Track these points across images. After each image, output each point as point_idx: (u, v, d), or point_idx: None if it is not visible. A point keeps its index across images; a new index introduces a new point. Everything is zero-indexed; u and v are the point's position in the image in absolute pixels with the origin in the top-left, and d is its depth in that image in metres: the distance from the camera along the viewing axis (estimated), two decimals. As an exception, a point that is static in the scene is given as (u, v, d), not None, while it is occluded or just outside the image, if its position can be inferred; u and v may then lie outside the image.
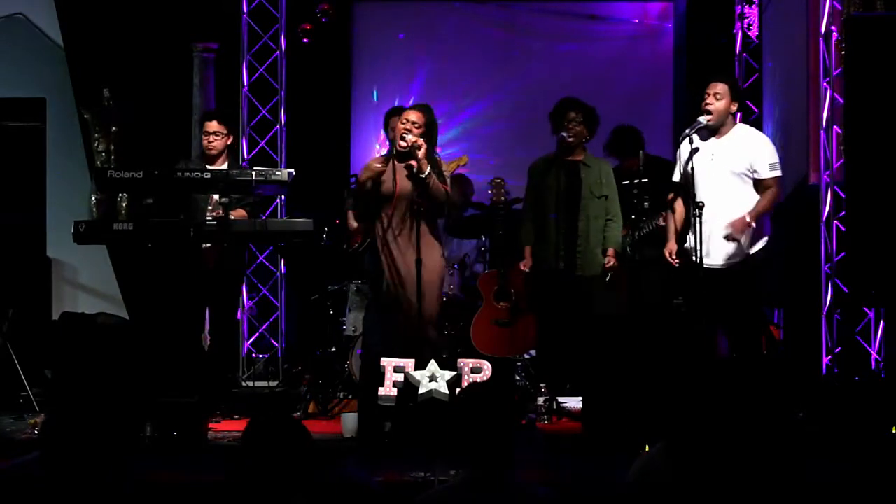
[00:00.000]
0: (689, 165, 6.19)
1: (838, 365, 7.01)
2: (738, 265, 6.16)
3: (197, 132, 7.52)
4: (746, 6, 8.70)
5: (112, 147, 6.78)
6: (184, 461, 5.51)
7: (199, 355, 6.96)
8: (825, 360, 7.12)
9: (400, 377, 5.85)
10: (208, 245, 6.78)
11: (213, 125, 6.97)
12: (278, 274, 8.55)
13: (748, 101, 8.30)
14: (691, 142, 6.18)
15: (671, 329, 6.63)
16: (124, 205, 6.54)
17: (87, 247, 6.96)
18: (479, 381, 5.77)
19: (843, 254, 6.92)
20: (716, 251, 6.13)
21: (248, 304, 8.50)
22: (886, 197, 6.29)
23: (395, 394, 5.83)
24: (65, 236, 6.53)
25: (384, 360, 5.92)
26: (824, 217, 7.16)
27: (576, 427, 6.19)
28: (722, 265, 6.15)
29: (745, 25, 8.72)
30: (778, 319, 7.99)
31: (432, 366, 5.82)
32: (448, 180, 6.31)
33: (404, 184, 6.20)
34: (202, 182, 6.38)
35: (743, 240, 6.14)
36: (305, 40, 8.58)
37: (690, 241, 6.10)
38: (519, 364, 7.24)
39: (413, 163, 6.12)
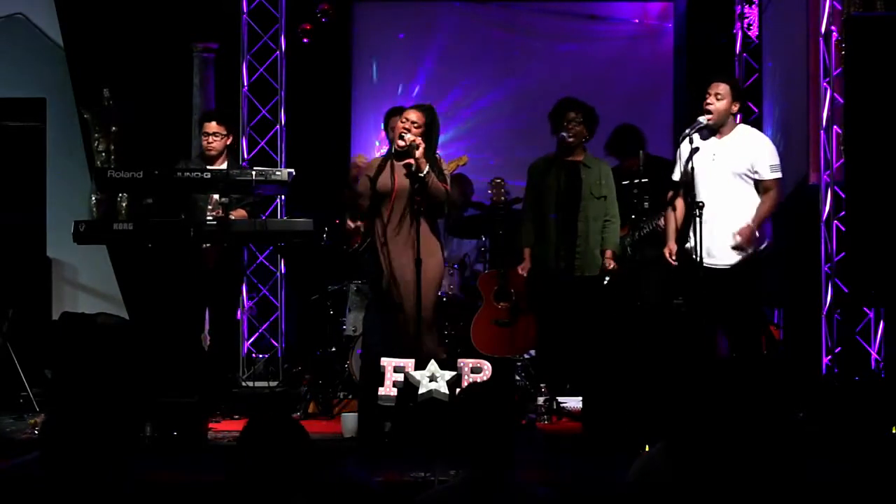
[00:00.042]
0: (690, 165, 6.19)
1: (838, 365, 7.01)
2: (740, 265, 6.16)
3: (197, 132, 7.52)
4: (746, 6, 8.70)
5: (112, 147, 6.78)
6: (184, 461, 5.51)
7: (199, 355, 6.96)
8: (825, 360, 7.12)
9: (400, 377, 5.85)
10: (208, 245, 6.78)
11: (212, 126, 6.97)
12: (278, 274, 8.55)
13: (748, 102, 8.30)
14: (691, 142, 6.18)
15: (671, 329, 6.62)
16: (124, 205, 6.54)
17: (87, 247, 6.96)
18: (479, 381, 5.76)
19: (843, 254, 6.92)
20: (717, 251, 6.13)
21: (248, 304, 8.49)
22: (886, 197, 6.29)
23: (395, 394, 5.83)
24: (65, 236, 6.53)
25: (384, 360, 5.92)
26: (824, 217, 7.16)
27: (576, 427, 6.19)
28: (723, 265, 6.15)
29: (745, 25, 8.71)
30: (778, 319, 7.99)
31: (432, 366, 5.82)
32: (448, 179, 6.31)
33: (402, 182, 6.20)
34: (202, 182, 6.38)
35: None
36: (305, 40, 8.58)
37: (691, 241, 6.10)
38: (519, 364, 7.24)
39: (411, 161, 6.11)
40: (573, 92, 7.14)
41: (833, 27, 7.04)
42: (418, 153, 6.07)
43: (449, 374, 5.82)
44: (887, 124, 6.30)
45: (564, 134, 6.87)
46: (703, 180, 6.18)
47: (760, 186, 6.17)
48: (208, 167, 6.77)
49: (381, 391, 5.85)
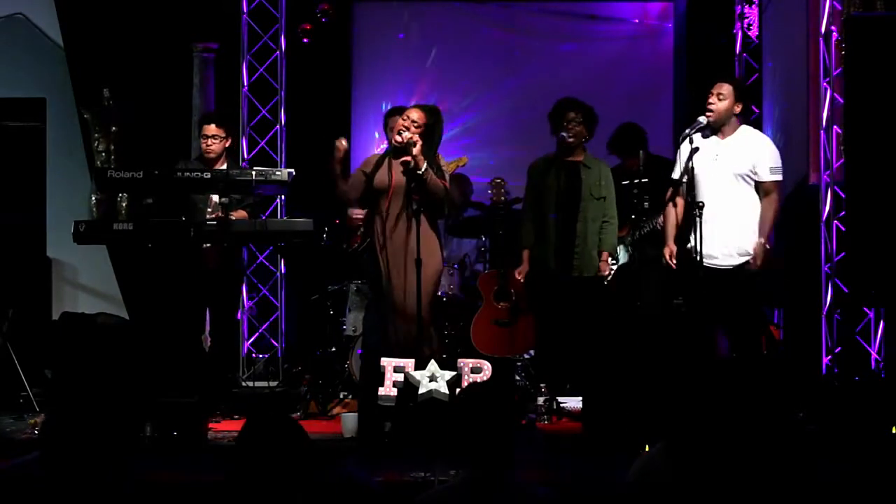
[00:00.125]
0: (690, 165, 6.20)
1: (838, 365, 7.01)
2: (740, 265, 6.16)
3: (197, 133, 7.52)
4: (746, 6, 8.70)
5: (112, 147, 6.79)
6: (184, 461, 5.51)
7: (199, 355, 6.96)
8: (825, 360, 7.12)
9: (400, 377, 5.85)
10: (209, 245, 6.78)
11: (210, 128, 6.96)
12: (278, 274, 8.55)
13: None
14: (691, 142, 6.18)
15: (671, 329, 6.62)
16: (124, 205, 6.55)
17: (87, 247, 6.95)
18: (479, 381, 5.76)
19: (843, 254, 6.92)
20: (717, 251, 6.13)
21: (248, 304, 8.49)
22: (886, 197, 6.29)
23: (395, 394, 5.83)
24: (65, 236, 6.53)
25: (384, 360, 5.92)
26: (824, 217, 7.16)
27: (576, 427, 6.19)
28: (724, 265, 6.15)
29: (745, 25, 8.71)
30: (778, 319, 7.99)
31: (432, 366, 5.82)
32: (447, 177, 6.30)
33: (399, 179, 6.18)
34: (202, 182, 6.38)
35: (746, 241, 6.15)
36: (305, 40, 8.58)
37: (691, 241, 6.10)
38: (519, 364, 7.24)
39: (408, 159, 6.10)
40: (573, 92, 7.14)
41: (833, 27, 7.04)
42: (415, 150, 6.05)
43: (449, 374, 5.82)
44: (887, 124, 6.30)
45: (564, 134, 6.87)
46: (704, 180, 6.18)
47: (760, 189, 6.16)
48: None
49: (381, 391, 5.85)
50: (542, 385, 6.80)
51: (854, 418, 5.82)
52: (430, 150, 6.17)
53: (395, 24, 9.43)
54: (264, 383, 8.07)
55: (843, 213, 6.87)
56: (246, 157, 8.44)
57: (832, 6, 7.06)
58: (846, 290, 6.86)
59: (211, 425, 6.23)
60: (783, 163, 6.30)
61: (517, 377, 7.16)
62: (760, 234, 6.15)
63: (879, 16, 6.66)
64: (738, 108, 6.20)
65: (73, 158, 8.45)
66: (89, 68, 8.32)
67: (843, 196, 6.85)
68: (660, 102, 9.13)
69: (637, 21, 9.41)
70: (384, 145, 7.36)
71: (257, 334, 8.53)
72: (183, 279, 6.82)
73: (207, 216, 6.66)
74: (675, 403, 3.34)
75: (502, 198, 7.15)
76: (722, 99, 6.17)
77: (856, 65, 6.41)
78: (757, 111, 8.53)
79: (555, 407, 6.70)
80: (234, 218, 6.51)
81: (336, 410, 6.90)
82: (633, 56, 9.31)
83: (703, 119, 6.19)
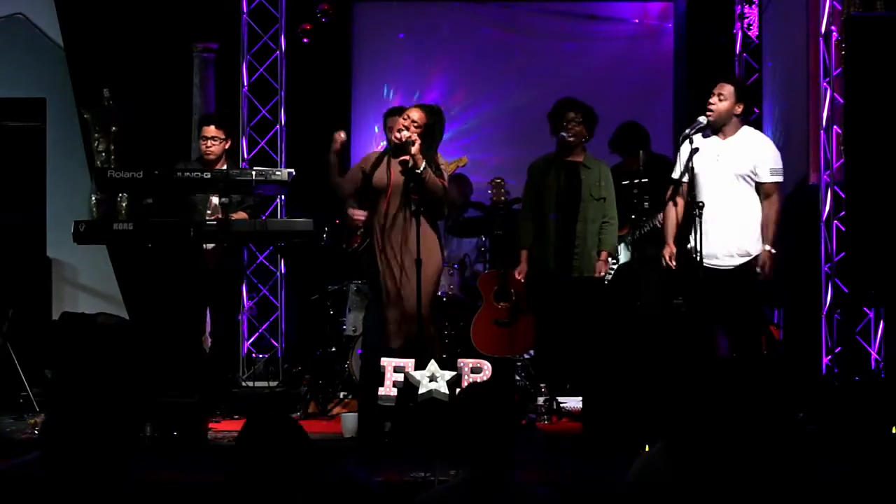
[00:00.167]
0: (690, 165, 6.20)
1: (838, 365, 7.01)
2: (741, 266, 6.16)
3: (196, 134, 7.52)
4: (746, 6, 8.70)
5: (112, 147, 6.78)
6: (184, 461, 5.51)
7: (199, 355, 6.96)
8: (825, 360, 7.12)
9: (400, 377, 5.85)
10: (210, 246, 6.79)
11: (210, 130, 6.96)
12: (278, 274, 8.55)
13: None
14: (691, 142, 6.18)
15: (671, 329, 6.62)
16: (124, 205, 6.54)
17: (87, 247, 6.95)
18: (479, 381, 5.76)
19: (843, 254, 6.92)
20: (718, 251, 6.12)
21: (248, 304, 8.49)
22: (886, 197, 6.29)
23: (395, 394, 5.83)
24: (65, 236, 6.53)
25: (384, 360, 5.92)
26: (824, 217, 7.16)
27: (576, 427, 6.19)
28: (724, 266, 6.15)
29: (745, 25, 8.72)
30: (778, 319, 7.99)
31: (432, 366, 5.82)
32: (446, 176, 6.28)
33: (398, 178, 6.18)
34: (202, 182, 6.38)
35: (746, 241, 6.14)
36: (305, 40, 8.58)
37: (691, 241, 6.10)
38: (519, 364, 7.24)
39: (407, 158, 6.10)
40: (573, 92, 7.15)
41: (833, 27, 7.04)
42: (413, 149, 6.05)
43: (449, 374, 5.82)
44: (887, 124, 6.30)
45: (564, 134, 6.87)
46: (705, 180, 6.18)
47: (761, 191, 6.15)
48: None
49: (381, 391, 5.85)
50: (542, 385, 6.80)
51: (854, 418, 5.82)
52: (429, 150, 6.16)
53: (395, 24, 9.43)
54: (264, 383, 8.07)
55: (843, 213, 6.87)
56: (246, 157, 8.44)
57: (832, 6, 7.06)
58: (846, 290, 6.86)
59: (211, 425, 6.23)
60: (783, 163, 6.31)
61: (517, 377, 7.16)
62: (765, 242, 6.14)
63: (879, 16, 6.66)
64: (738, 109, 6.20)
65: (73, 158, 8.45)
66: (89, 68, 8.32)
67: (843, 196, 6.85)
68: (660, 102, 9.13)
69: (637, 21, 9.42)
70: (384, 143, 7.36)
71: (257, 334, 8.52)
72: (183, 279, 6.81)
73: (207, 218, 6.66)
74: (675, 403, 3.34)
75: (502, 198, 7.15)
76: (723, 99, 6.17)
77: (856, 65, 6.41)
78: (757, 111, 8.53)
79: (555, 407, 6.70)
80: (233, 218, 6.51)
81: (336, 410, 6.90)
82: (633, 56, 9.32)
83: (702, 119, 6.20)
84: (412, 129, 6.12)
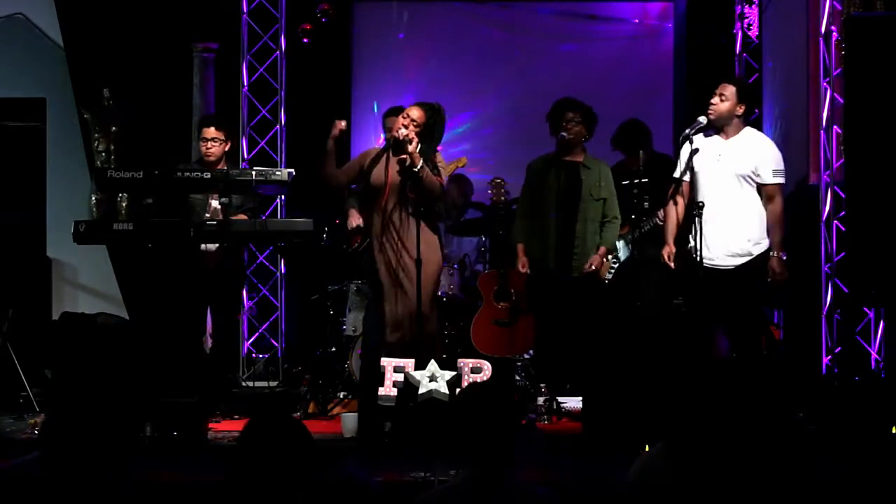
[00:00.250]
0: (690, 165, 6.20)
1: (838, 365, 7.01)
2: (742, 266, 6.15)
3: (196, 134, 7.52)
4: (746, 6, 8.70)
5: (112, 147, 6.77)
6: (184, 461, 5.51)
7: (199, 355, 6.96)
8: (825, 360, 7.13)
9: (400, 377, 5.85)
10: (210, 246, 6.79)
11: (210, 131, 6.96)
12: (278, 274, 8.55)
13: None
14: (691, 142, 6.18)
15: (671, 329, 6.62)
16: (124, 205, 6.53)
17: (87, 247, 6.95)
18: (479, 381, 5.76)
19: (843, 254, 6.92)
20: (718, 251, 6.12)
21: (248, 304, 8.49)
22: (886, 197, 6.29)
23: (395, 394, 5.83)
24: (65, 236, 6.53)
25: (384, 360, 5.92)
26: (824, 217, 7.16)
27: (576, 427, 6.19)
28: (725, 265, 6.14)
29: (745, 25, 8.72)
30: (778, 319, 7.99)
31: (432, 366, 5.82)
32: (443, 174, 6.27)
33: (395, 177, 6.17)
34: (202, 182, 6.38)
35: (746, 241, 6.14)
36: (305, 40, 8.58)
37: (692, 241, 6.10)
38: (519, 364, 7.24)
39: (405, 157, 6.09)
40: (573, 92, 7.14)
41: (833, 27, 7.04)
42: (411, 148, 6.04)
43: (449, 374, 5.82)
44: (887, 124, 6.29)
45: (564, 134, 6.87)
46: (705, 180, 6.17)
47: (763, 192, 6.14)
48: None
49: (381, 391, 5.85)
50: (542, 385, 6.80)
51: (854, 418, 5.82)
52: (428, 149, 6.16)
53: (395, 24, 9.43)
54: (264, 383, 8.08)
55: (843, 213, 6.87)
56: (246, 157, 8.44)
57: (832, 6, 7.06)
58: (846, 290, 6.86)
59: (211, 425, 6.23)
60: (783, 163, 6.30)
61: (517, 377, 7.16)
62: (774, 248, 6.13)
63: (879, 16, 6.66)
64: (740, 110, 6.18)
65: (73, 158, 8.45)
66: (89, 68, 8.32)
67: (843, 196, 6.85)
68: (660, 102, 9.12)
69: (637, 21, 9.42)
70: (384, 136, 7.35)
71: (257, 334, 8.53)
72: (183, 279, 6.82)
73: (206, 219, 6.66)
74: (675, 403, 3.34)
75: (502, 198, 7.14)
76: (724, 100, 6.16)
77: (856, 65, 6.41)
78: (757, 111, 8.52)
79: (555, 407, 6.70)
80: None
81: (336, 410, 6.91)
82: (633, 56, 9.32)
83: (702, 119, 6.19)
84: (411, 127, 6.12)
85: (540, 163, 7.06)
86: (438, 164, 6.21)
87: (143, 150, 7.61)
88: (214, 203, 6.74)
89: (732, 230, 6.13)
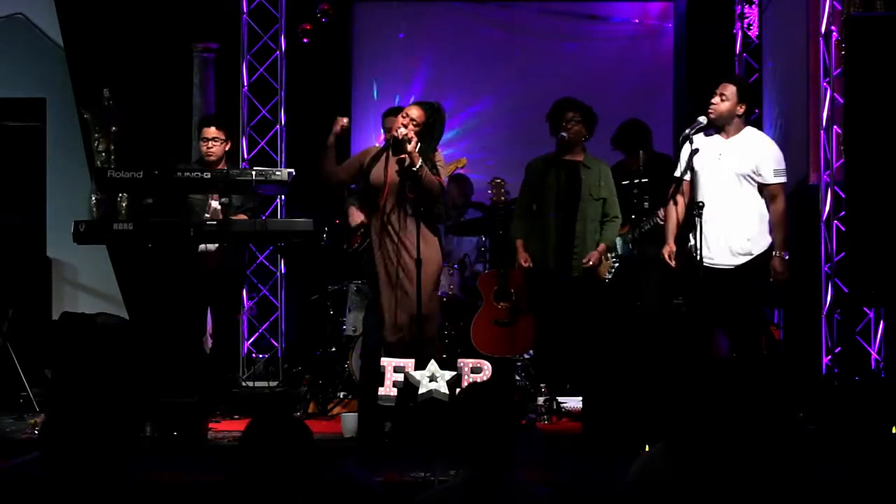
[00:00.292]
0: (691, 165, 6.20)
1: (838, 365, 7.01)
2: (742, 265, 6.15)
3: (196, 134, 7.52)
4: (746, 6, 8.70)
5: (112, 147, 6.78)
6: (184, 461, 5.51)
7: (199, 355, 6.96)
8: (825, 360, 7.12)
9: (400, 377, 5.85)
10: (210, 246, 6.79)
11: (211, 131, 6.96)
12: (278, 274, 8.55)
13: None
14: (691, 142, 6.18)
15: (671, 329, 6.62)
16: (124, 205, 6.53)
17: (87, 247, 6.96)
18: (479, 381, 5.76)
19: (843, 254, 6.92)
20: (719, 250, 6.12)
21: (248, 304, 8.50)
22: (886, 197, 6.29)
23: (395, 394, 5.83)
24: (65, 236, 6.53)
25: (384, 360, 5.92)
26: (824, 217, 7.16)
27: (576, 427, 6.19)
28: (725, 265, 6.14)
29: (745, 25, 8.72)
30: (778, 319, 7.99)
31: (432, 366, 5.82)
32: (442, 173, 6.26)
33: (395, 177, 6.16)
34: (202, 182, 6.38)
35: (746, 241, 6.14)
36: (305, 40, 8.58)
37: (692, 241, 6.10)
38: (519, 364, 7.24)
39: (403, 156, 6.08)
40: (573, 92, 7.14)
41: (833, 27, 7.04)
42: (410, 147, 6.03)
43: (449, 374, 5.82)
44: (887, 124, 6.29)
45: (564, 134, 6.87)
46: (706, 179, 6.17)
47: (765, 192, 6.14)
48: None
49: (381, 391, 5.85)
50: (542, 385, 6.80)
51: (854, 418, 5.82)
52: (427, 148, 6.14)
53: (395, 24, 9.43)
54: (264, 383, 8.08)
55: (843, 213, 6.87)
56: (246, 157, 8.44)
57: (832, 6, 7.06)
58: (846, 290, 6.86)
59: (211, 425, 6.23)
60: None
61: (517, 377, 7.16)
62: (776, 247, 6.13)
63: (879, 16, 6.66)
64: (740, 110, 6.18)
65: (73, 158, 8.45)
66: (89, 68, 8.32)
67: (843, 196, 6.85)
68: (660, 102, 9.12)
69: (637, 21, 9.42)
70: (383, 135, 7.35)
71: (257, 334, 8.53)
72: (183, 279, 6.82)
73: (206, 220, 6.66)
74: (675, 403, 3.34)
75: (502, 198, 7.14)
76: (724, 99, 6.16)
77: (856, 65, 6.41)
78: (757, 111, 8.52)
79: (555, 407, 6.70)
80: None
81: (336, 410, 6.91)
82: (633, 56, 9.32)
83: (702, 119, 6.19)
84: (410, 126, 6.11)
85: (540, 162, 7.06)
86: (438, 164, 6.19)
87: (143, 150, 7.61)
88: (214, 203, 6.74)
89: (733, 229, 6.13)
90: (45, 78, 8.70)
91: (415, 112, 6.17)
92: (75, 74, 8.42)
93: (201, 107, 8.42)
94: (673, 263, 6.28)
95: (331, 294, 7.74)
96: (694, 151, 6.18)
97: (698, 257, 6.00)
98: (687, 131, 6.21)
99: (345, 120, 6.29)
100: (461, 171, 7.87)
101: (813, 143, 7.42)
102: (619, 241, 7.13)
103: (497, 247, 7.28)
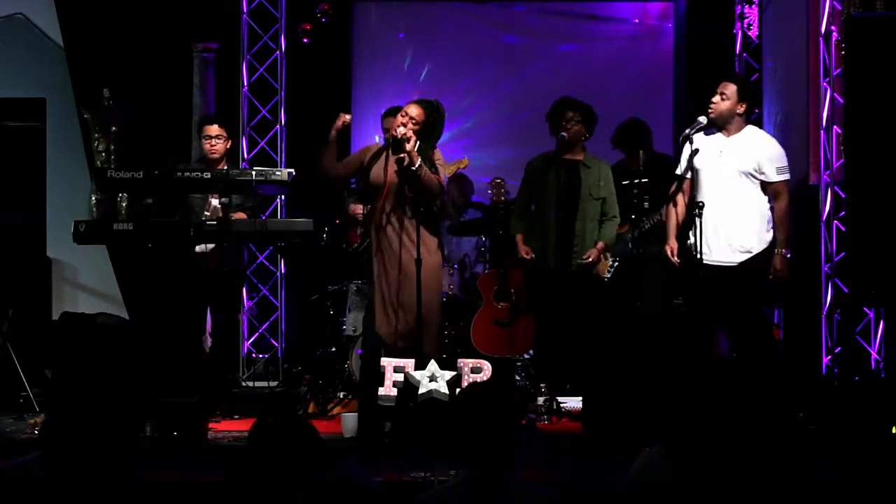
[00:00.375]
0: (691, 165, 6.20)
1: (838, 365, 7.01)
2: (742, 263, 6.15)
3: (196, 134, 7.52)
4: (746, 6, 8.70)
5: (112, 147, 6.78)
6: (184, 461, 5.51)
7: (199, 355, 6.96)
8: (825, 360, 7.12)
9: (400, 377, 5.85)
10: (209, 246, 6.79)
11: (214, 129, 6.96)
12: (278, 274, 8.55)
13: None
14: (691, 142, 6.18)
15: (671, 329, 6.62)
16: (124, 205, 6.54)
17: (87, 247, 6.96)
18: (479, 381, 5.76)
19: (843, 254, 6.92)
20: (719, 248, 6.11)
21: (248, 304, 8.50)
22: (886, 197, 6.29)
23: (395, 394, 5.83)
24: (65, 236, 6.53)
25: (384, 360, 5.92)
26: (824, 217, 7.16)
27: (576, 427, 6.19)
28: (726, 262, 6.14)
29: (745, 25, 8.72)
30: (778, 319, 7.99)
31: (432, 366, 5.82)
32: (442, 172, 6.25)
33: (394, 176, 6.14)
34: (202, 182, 6.38)
35: (747, 238, 6.14)
36: (305, 40, 8.58)
37: (691, 239, 6.10)
38: (519, 364, 7.24)
39: (402, 155, 6.07)
40: (573, 92, 7.14)
41: (833, 27, 7.04)
42: (409, 146, 6.02)
43: (449, 374, 5.81)
44: (887, 124, 6.29)
45: (564, 134, 6.87)
46: (707, 176, 6.17)
47: (769, 190, 6.14)
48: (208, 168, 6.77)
49: (381, 391, 5.85)
50: (542, 385, 6.80)
51: (854, 418, 5.82)
52: (426, 146, 6.13)
53: (395, 24, 9.43)
54: (264, 383, 8.08)
55: (843, 213, 6.87)
56: (246, 157, 8.44)
57: (832, 6, 7.06)
58: (846, 290, 6.86)
59: (211, 425, 6.23)
60: (783, 163, 6.31)
61: (517, 377, 7.16)
62: (778, 245, 6.13)
63: (879, 16, 6.66)
64: (741, 108, 6.18)
65: (73, 158, 8.45)
66: (89, 68, 8.32)
67: (843, 196, 6.85)
68: (660, 102, 9.12)
69: (637, 21, 9.41)
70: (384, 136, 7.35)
71: (257, 334, 8.53)
72: (183, 279, 6.82)
73: (206, 219, 6.66)
74: (675, 403, 3.34)
75: (502, 198, 7.14)
76: (725, 98, 6.16)
77: (856, 65, 6.41)
78: (757, 111, 8.52)
79: (555, 407, 6.70)
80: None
81: (336, 410, 6.91)
82: (633, 56, 9.32)
83: (702, 119, 6.19)
84: (409, 125, 6.10)
85: (540, 161, 7.06)
86: (437, 162, 6.18)
87: (143, 150, 7.62)
88: (214, 201, 6.74)
89: (733, 226, 6.12)
90: (45, 78, 8.70)
91: (414, 110, 6.15)
92: (75, 74, 8.42)
93: (201, 107, 8.42)
94: (676, 260, 6.28)
95: (331, 294, 7.73)
96: (694, 152, 6.19)
97: (698, 256, 6.00)
98: (687, 131, 6.22)
99: (347, 116, 6.29)
100: (462, 171, 7.87)
101: (813, 143, 7.42)
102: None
103: (497, 247, 7.27)
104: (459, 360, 5.93)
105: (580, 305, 6.87)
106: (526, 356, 7.26)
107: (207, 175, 6.35)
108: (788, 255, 6.16)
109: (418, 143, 6.07)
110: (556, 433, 6.42)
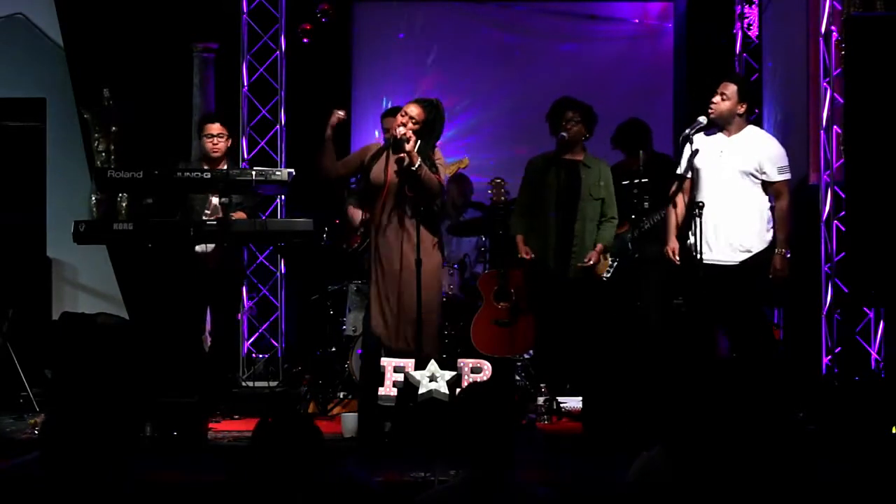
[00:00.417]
0: (692, 165, 6.20)
1: (838, 365, 7.01)
2: (742, 262, 6.15)
3: (196, 134, 7.52)
4: (746, 6, 8.70)
5: (112, 147, 6.78)
6: (184, 461, 5.51)
7: (199, 355, 6.96)
8: (825, 360, 7.12)
9: (400, 377, 5.85)
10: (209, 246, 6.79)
11: (215, 127, 6.96)
12: (278, 274, 8.55)
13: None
14: (691, 142, 6.18)
15: (671, 329, 6.62)
16: (124, 205, 6.54)
17: (87, 247, 6.96)
18: (479, 381, 5.76)
19: (843, 254, 6.92)
20: (720, 248, 6.12)
21: (248, 304, 8.50)
22: (886, 197, 6.29)
23: (395, 394, 5.83)
24: (65, 236, 6.53)
25: (384, 360, 5.92)
26: (824, 217, 7.16)
27: (576, 427, 6.19)
28: (726, 261, 6.14)
29: (745, 25, 8.72)
30: (778, 319, 7.99)
31: (432, 366, 5.82)
32: (442, 172, 6.24)
33: (394, 176, 6.14)
34: (202, 182, 6.38)
35: (747, 238, 6.14)
36: (305, 40, 8.57)
37: (691, 239, 6.10)
38: (519, 364, 7.24)
39: (402, 155, 6.07)
40: (573, 92, 7.14)
41: (833, 27, 7.04)
42: (409, 146, 6.02)
43: (449, 374, 5.81)
44: (887, 124, 6.29)
45: (564, 133, 6.86)
46: (707, 176, 6.17)
47: (770, 189, 6.15)
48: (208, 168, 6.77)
49: (381, 391, 5.85)
50: (542, 385, 6.80)
51: (854, 418, 5.82)
52: (426, 146, 6.12)
53: (395, 24, 9.43)
54: (264, 383, 8.07)
55: (843, 213, 6.87)
56: (246, 157, 8.44)
57: (832, 6, 7.06)
58: (846, 290, 6.86)
59: (211, 425, 6.23)
60: (784, 163, 6.31)
61: (517, 377, 7.16)
62: (779, 244, 6.13)
63: (879, 16, 6.65)
64: (741, 108, 6.18)
65: (73, 158, 8.45)
66: (89, 68, 8.32)
67: (843, 196, 6.85)
68: (660, 102, 9.12)
69: (637, 21, 9.41)
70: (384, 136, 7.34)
71: (257, 334, 8.53)
72: (183, 279, 6.82)
73: (206, 218, 6.66)
74: (675, 403, 3.34)
75: (502, 198, 7.14)
76: (725, 98, 6.16)
77: (856, 65, 6.41)
78: (757, 111, 8.51)
79: (555, 407, 6.70)
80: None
81: (336, 410, 6.91)
82: (633, 56, 9.32)
83: (702, 119, 6.20)
84: (409, 125, 6.09)
85: (540, 160, 7.05)
86: (437, 162, 6.18)
87: (143, 150, 7.62)
88: (214, 200, 6.74)
89: (734, 226, 6.13)
90: (45, 78, 8.70)
91: (414, 110, 6.14)
92: (75, 74, 8.42)
93: (201, 107, 8.42)
94: (677, 259, 6.28)
95: (331, 294, 7.74)
96: (694, 152, 6.19)
97: (698, 256, 6.00)
98: (687, 131, 6.22)
99: (341, 112, 6.28)
100: (462, 171, 7.87)
101: (813, 143, 7.42)
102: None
103: (497, 247, 7.27)
104: (459, 360, 5.93)
105: (580, 305, 6.87)
106: (526, 356, 7.26)
107: (207, 175, 6.35)
108: (788, 255, 6.16)
109: (418, 142, 6.07)
110: (556, 433, 6.42)
